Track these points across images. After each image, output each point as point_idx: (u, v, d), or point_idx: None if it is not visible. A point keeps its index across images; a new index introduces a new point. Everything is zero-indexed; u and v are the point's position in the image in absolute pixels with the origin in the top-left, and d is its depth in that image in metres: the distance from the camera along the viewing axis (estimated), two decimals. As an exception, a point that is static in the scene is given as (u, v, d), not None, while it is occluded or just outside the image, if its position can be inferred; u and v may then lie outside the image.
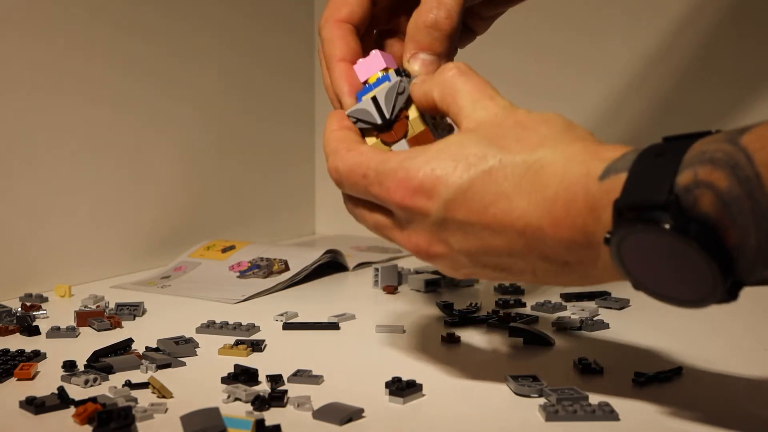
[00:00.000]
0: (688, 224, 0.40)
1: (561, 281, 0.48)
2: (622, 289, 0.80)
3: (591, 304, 0.76)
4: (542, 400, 0.53)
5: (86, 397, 0.52)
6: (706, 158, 0.40)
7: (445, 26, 0.55)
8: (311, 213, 1.28)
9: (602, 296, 0.79)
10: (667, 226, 0.40)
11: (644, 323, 0.71)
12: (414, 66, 0.55)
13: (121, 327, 0.71)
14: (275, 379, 0.56)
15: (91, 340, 0.66)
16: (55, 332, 0.68)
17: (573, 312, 0.74)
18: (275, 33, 1.16)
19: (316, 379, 0.56)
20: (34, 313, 0.73)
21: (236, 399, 0.53)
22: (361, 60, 0.57)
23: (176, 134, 1.01)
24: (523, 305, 0.77)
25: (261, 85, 1.14)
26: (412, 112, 0.54)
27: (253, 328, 0.69)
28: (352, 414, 0.50)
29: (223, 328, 0.69)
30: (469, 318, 0.72)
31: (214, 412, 0.47)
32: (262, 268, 0.89)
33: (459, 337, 0.67)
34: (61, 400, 0.52)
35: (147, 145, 0.97)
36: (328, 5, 0.59)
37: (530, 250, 0.46)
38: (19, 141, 0.82)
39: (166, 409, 0.51)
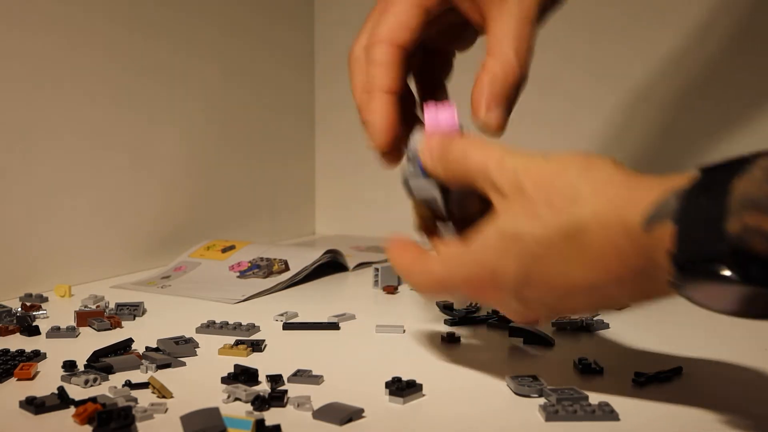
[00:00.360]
0: (749, 270, 0.40)
1: (658, 300, 0.49)
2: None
3: (591, 304, 0.76)
4: (542, 400, 0.53)
5: (86, 397, 0.51)
6: (749, 202, 0.40)
7: (524, 79, 0.56)
8: (311, 213, 1.28)
9: (602, 296, 0.79)
10: (729, 273, 0.40)
11: (644, 323, 0.71)
12: (491, 120, 0.55)
13: (121, 327, 0.71)
14: (275, 379, 0.56)
15: (91, 340, 0.66)
16: (55, 332, 0.68)
17: (573, 312, 0.74)
18: (275, 33, 1.16)
19: (316, 379, 0.56)
20: (34, 313, 0.73)
21: (236, 399, 0.53)
22: (434, 106, 0.56)
23: (177, 134, 1.01)
24: (523, 305, 0.77)
25: (262, 85, 1.14)
26: None
27: (253, 328, 0.69)
28: (352, 414, 0.50)
29: (223, 328, 0.69)
30: (469, 318, 0.72)
31: (214, 412, 0.47)
32: (262, 268, 0.89)
33: (459, 337, 0.67)
34: (61, 400, 0.52)
35: (147, 145, 0.97)
36: (379, 21, 0.57)
37: (609, 298, 0.48)
38: (19, 140, 0.82)
39: (166, 409, 0.51)
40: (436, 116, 0.55)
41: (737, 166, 0.42)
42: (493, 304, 0.53)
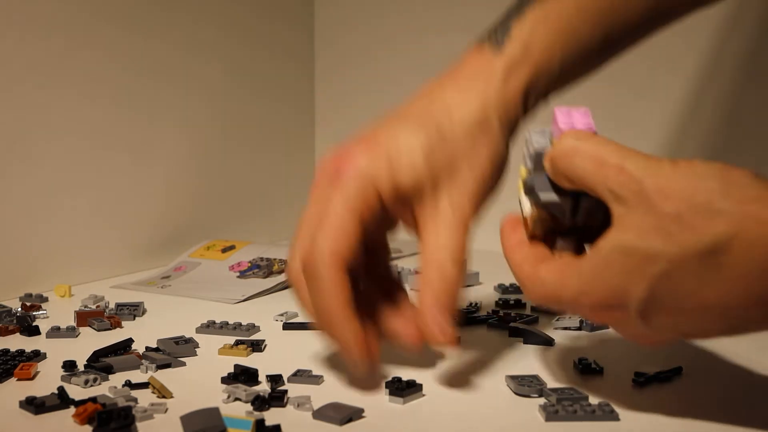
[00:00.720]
0: None
1: None
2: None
3: (591, 304, 0.76)
4: (542, 400, 0.53)
5: (86, 397, 0.52)
6: None
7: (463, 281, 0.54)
8: (311, 213, 1.27)
9: (602, 296, 0.78)
10: None
11: (644, 323, 0.71)
12: (443, 333, 0.53)
13: (121, 327, 0.71)
14: (275, 379, 0.56)
15: (91, 340, 0.66)
16: (55, 332, 0.68)
17: (573, 312, 0.74)
18: (276, 33, 1.16)
19: (316, 379, 0.56)
20: (34, 313, 0.73)
21: (236, 399, 0.53)
22: (566, 109, 0.51)
23: (177, 134, 1.01)
24: (523, 305, 0.77)
25: (262, 85, 1.14)
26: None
27: (253, 328, 0.69)
28: (352, 414, 0.50)
29: (223, 328, 0.69)
30: (469, 318, 0.72)
31: (214, 412, 0.47)
32: (262, 268, 0.89)
33: (459, 337, 0.67)
34: (61, 400, 0.52)
35: (147, 145, 0.97)
36: (317, 234, 0.53)
37: (747, 321, 0.45)
38: (19, 140, 0.82)
39: (166, 409, 0.51)
40: (569, 118, 0.50)
41: None
42: (610, 324, 0.49)
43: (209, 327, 0.69)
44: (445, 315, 0.53)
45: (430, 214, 0.54)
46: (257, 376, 0.56)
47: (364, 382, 0.56)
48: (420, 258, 0.55)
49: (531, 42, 0.57)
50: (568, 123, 0.50)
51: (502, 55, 0.56)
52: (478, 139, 0.55)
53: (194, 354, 0.63)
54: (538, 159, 0.51)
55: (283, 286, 0.86)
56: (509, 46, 0.57)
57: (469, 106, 0.56)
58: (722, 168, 0.44)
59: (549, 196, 0.50)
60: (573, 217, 0.50)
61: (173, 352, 0.62)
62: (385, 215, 0.55)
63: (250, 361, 0.61)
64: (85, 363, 0.59)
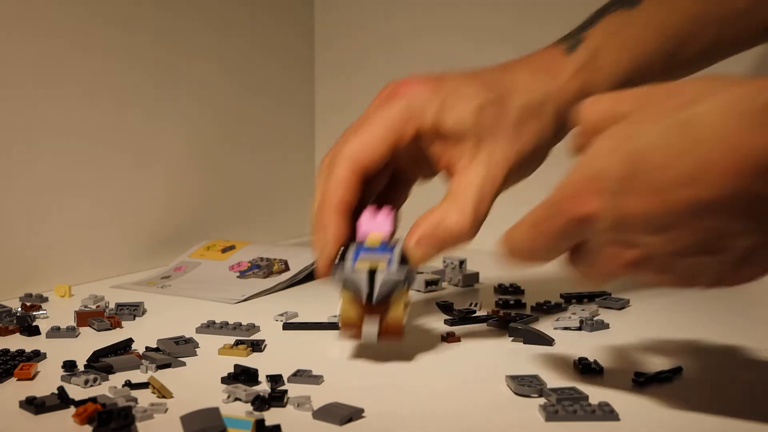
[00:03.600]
0: None
1: None
2: (622, 289, 0.80)
3: (591, 304, 0.76)
4: (542, 400, 0.53)
5: (86, 397, 0.51)
6: None
7: (469, 238, 0.58)
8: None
9: (602, 296, 0.79)
10: None
11: (644, 323, 0.71)
12: (417, 253, 0.58)
13: (121, 327, 0.71)
14: (275, 379, 0.56)
15: (91, 340, 0.66)
16: (55, 332, 0.68)
17: (573, 312, 0.74)
18: (275, 33, 1.16)
19: (316, 379, 0.56)
20: (34, 313, 0.73)
21: (236, 399, 0.53)
22: (370, 213, 0.58)
23: (177, 134, 1.01)
24: (523, 305, 0.77)
25: (262, 85, 1.14)
26: (398, 305, 0.57)
27: (253, 328, 0.69)
28: (352, 414, 0.50)
29: (223, 328, 0.69)
30: (469, 318, 0.72)
31: (214, 412, 0.47)
32: (262, 268, 0.89)
33: (459, 337, 0.67)
34: (61, 400, 0.52)
35: (147, 145, 0.97)
36: (350, 137, 0.59)
37: (719, 213, 0.42)
38: (19, 139, 0.82)
39: (166, 409, 0.51)
40: (373, 218, 0.59)
41: None
42: (585, 232, 0.46)
43: (209, 327, 0.69)
44: (436, 245, 0.57)
45: (468, 156, 0.58)
46: (257, 376, 0.56)
47: (365, 381, 0.56)
48: (447, 189, 0.58)
49: (600, 52, 0.63)
50: (371, 224, 0.59)
51: (572, 58, 0.63)
52: (530, 119, 0.61)
53: (194, 354, 0.63)
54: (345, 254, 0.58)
55: (283, 286, 0.86)
56: (580, 51, 0.63)
57: (533, 89, 0.61)
58: (715, 73, 0.48)
59: (349, 275, 0.57)
60: (370, 290, 0.57)
61: (173, 352, 0.62)
62: (419, 153, 0.59)
63: (250, 361, 0.61)
64: (85, 363, 0.59)
